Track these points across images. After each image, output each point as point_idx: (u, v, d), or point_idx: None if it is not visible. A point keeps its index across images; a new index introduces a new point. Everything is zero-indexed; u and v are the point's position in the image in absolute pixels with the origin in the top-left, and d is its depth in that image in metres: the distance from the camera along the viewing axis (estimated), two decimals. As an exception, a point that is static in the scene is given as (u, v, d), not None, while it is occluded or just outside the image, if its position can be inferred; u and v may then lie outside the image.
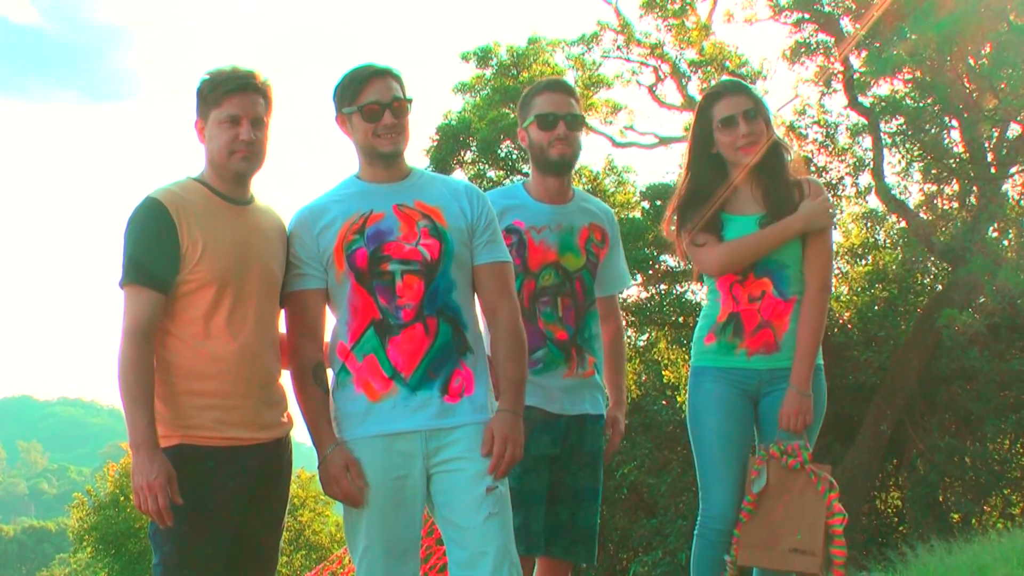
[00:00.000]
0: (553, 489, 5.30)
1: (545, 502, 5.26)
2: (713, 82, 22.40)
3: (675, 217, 5.50)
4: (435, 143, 24.96)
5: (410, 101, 4.70)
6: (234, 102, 4.46)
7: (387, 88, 4.64)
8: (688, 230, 5.38)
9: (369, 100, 4.62)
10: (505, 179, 24.05)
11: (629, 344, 24.09)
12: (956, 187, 21.14)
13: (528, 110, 5.38)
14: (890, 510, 21.80)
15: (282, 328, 4.72)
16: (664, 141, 25.32)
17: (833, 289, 22.87)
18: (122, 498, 36.17)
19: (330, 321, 4.71)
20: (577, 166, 5.82)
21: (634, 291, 23.18)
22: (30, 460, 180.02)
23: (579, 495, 5.35)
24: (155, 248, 4.33)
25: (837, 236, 23.66)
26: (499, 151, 24.25)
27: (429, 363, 4.54)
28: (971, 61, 17.86)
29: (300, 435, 4.70)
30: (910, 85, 18.75)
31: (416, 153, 25.62)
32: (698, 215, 5.36)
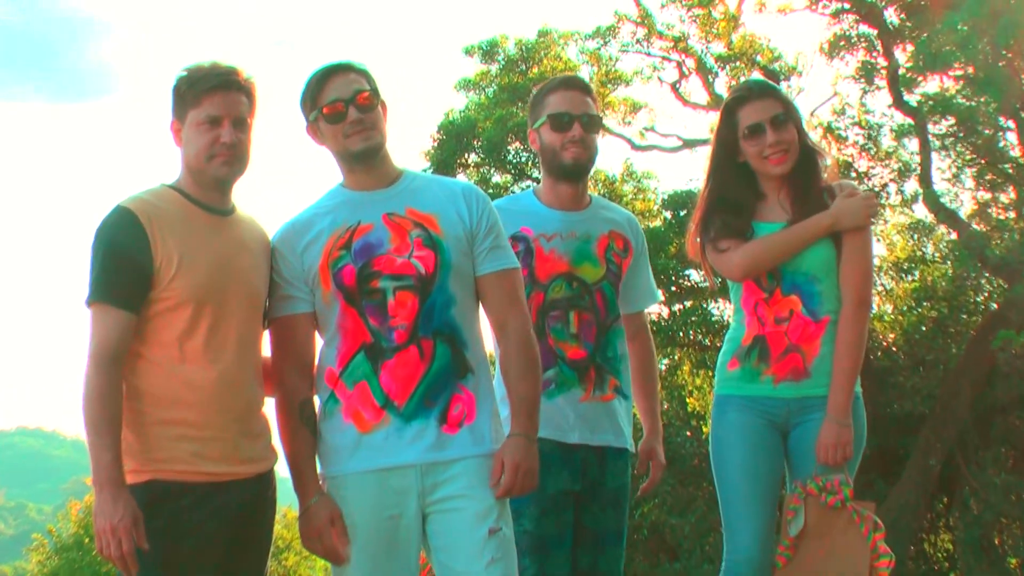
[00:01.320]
0: (573, 529, 5.25)
1: (567, 547, 5.20)
2: (743, 78, 22.44)
3: (699, 230, 5.49)
4: (436, 144, 24.97)
5: (377, 93, 4.69)
6: (214, 101, 4.45)
7: (347, 83, 4.64)
8: (711, 238, 5.38)
9: (329, 99, 4.62)
10: (513, 184, 24.03)
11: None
12: (1013, 195, 21.07)
13: (540, 109, 5.36)
14: (940, 554, 21.72)
15: (266, 351, 4.71)
16: (688, 144, 25.27)
17: (875, 307, 22.89)
18: (87, 539, 36.08)
19: (317, 344, 4.71)
20: (592, 171, 5.79)
21: (654, 308, 23.16)
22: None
23: (602, 539, 5.29)
24: (125, 263, 4.32)
25: (881, 249, 23.63)
26: (506, 153, 24.24)
27: (425, 390, 4.52)
28: (1030, 56, 17.86)
29: (285, 470, 4.68)
30: (962, 82, 18.73)
31: (415, 155, 25.63)
32: (723, 223, 5.35)
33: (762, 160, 5.30)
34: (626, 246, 5.45)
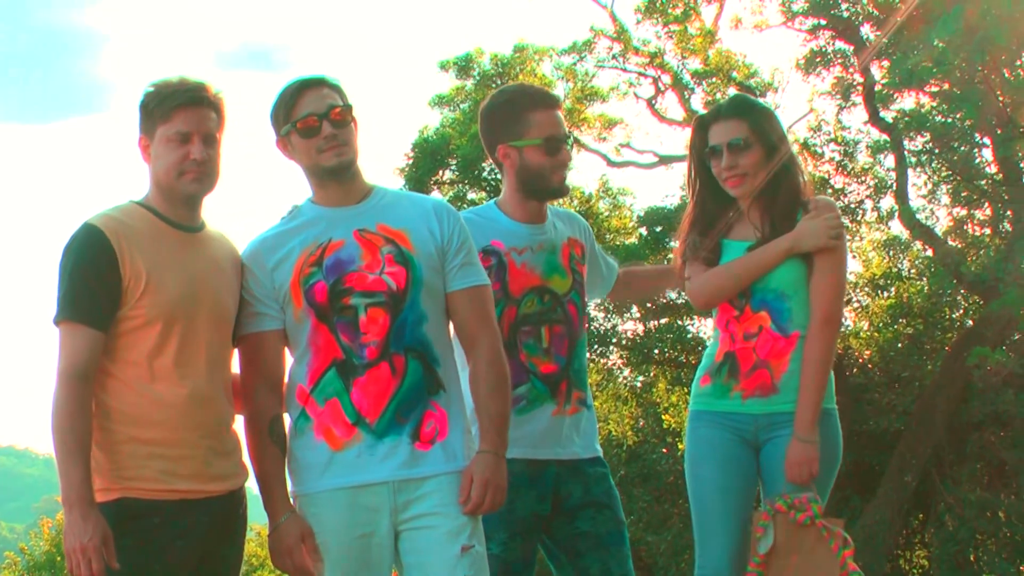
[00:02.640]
0: (572, 543, 5.20)
1: (531, 572, 5.16)
2: (720, 96, 22.51)
3: (679, 251, 5.51)
4: (410, 161, 24.97)
5: (350, 109, 4.67)
6: (183, 117, 4.43)
7: (321, 98, 4.62)
8: (682, 263, 5.42)
9: (303, 114, 4.60)
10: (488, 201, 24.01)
11: (624, 384, 24.10)
12: (988, 211, 21.15)
13: (522, 127, 5.19)
14: (915, 570, 21.77)
15: (235, 368, 4.70)
16: (664, 160, 25.36)
17: (851, 324, 22.90)
18: (59, 558, 36.00)
19: (287, 361, 4.69)
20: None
21: (630, 326, 23.20)
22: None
23: (605, 540, 5.21)
24: (93, 281, 4.30)
25: (856, 266, 23.71)
26: (481, 170, 24.26)
27: (397, 406, 4.51)
28: (1006, 72, 17.91)
29: (256, 486, 4.67)
30: (937, 98, 18.79)
31: (389, 172, 25.62)
32: (691, 243, 5.38)
33: (723, 182, 5.32)
34: (583, 252, 5.42)
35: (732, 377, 5.28)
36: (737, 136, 5.27)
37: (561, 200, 5.50)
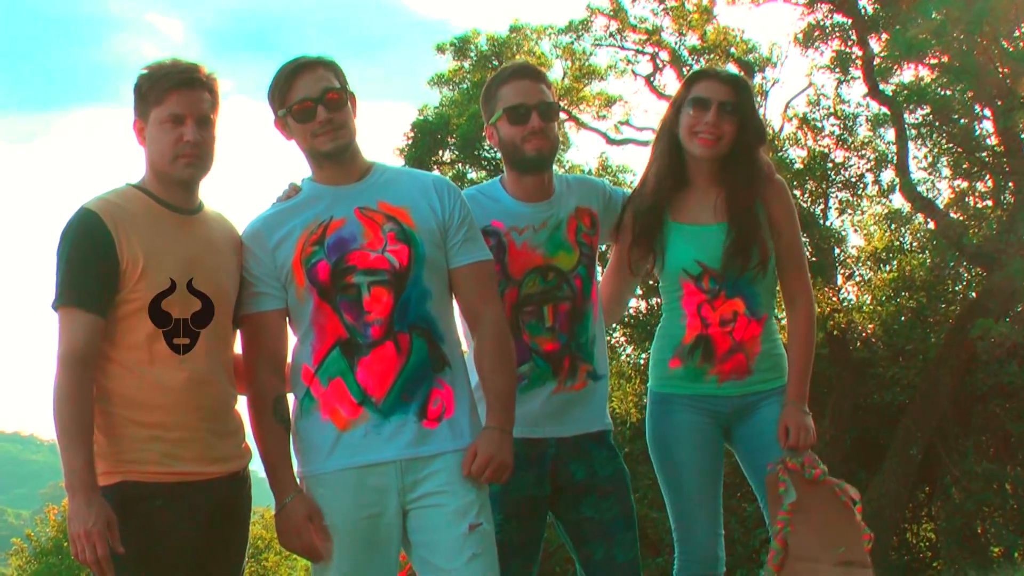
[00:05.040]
0: (577, 527, 5.18)
1: (529, 557, 5.13)
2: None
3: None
4: (410, 141, 24.95)
5: (346, 90, 4.65)
6: (176, 99, 4.41)
7: (317, 80, 4.59)
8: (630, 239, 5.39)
9: (298, 98, 4.58)
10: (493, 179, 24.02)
11: (628, 363, 24.08)
12: (990, 183, 21.15)
13: (494, 103, 5.19)
14: (922, 543, 21.79)
15: (237, 349, 4.68)
16: (664, 137, 25.26)
17: (855, 298, 22.88)
18: (65, 543, 35.76)
19: (291, 341, 4.67)
20: (567, 164, 5.66)
21: (633, 303, 23.16)
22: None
23: (610, 527, 5.15)
24: (91, 265, 4.28)
25: (858, 240, 23.70)
26: (481, 150, 24.25)
27: (403, 385, 4.49)
28: (1005, 43, 17.86)
29: (261, 468, 4.64)
30: (937, 71, 18.75)
31: (389, 152, 25.61)
32: (636, 214, 5.35)
33: (690, 135, 5.24)
34: (593, 222, 5.32)
35: (706, 361, 5.27)
36: (728, 99, 5.24)
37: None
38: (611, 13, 24.23)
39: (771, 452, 5.22)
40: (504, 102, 5.14)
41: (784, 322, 5.52)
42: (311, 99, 4.56)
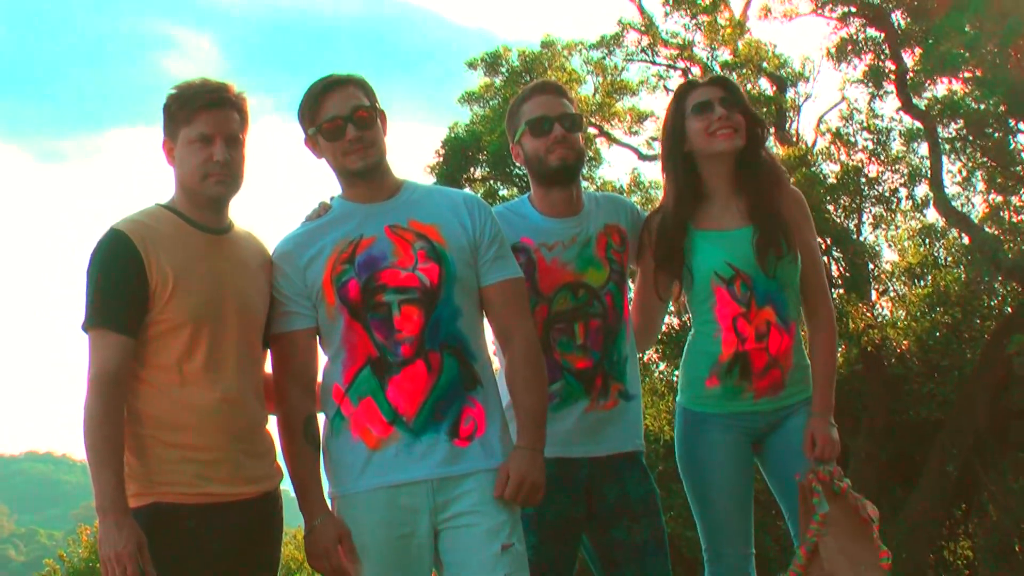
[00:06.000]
0: (607, 550, 5.15)
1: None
2: (751, 87, 22.44)
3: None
4: (441, 158, 24.97)
5: (376, 108, 4.67)
6: (206, 119, 4.43)
7: (346, 99, 4.61)
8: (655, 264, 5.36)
9: (328, 116, 4.60)
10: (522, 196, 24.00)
11: (660, 379, 24.03)
12: (1025, 197, 21.06)
13: (517, 120, 5.23)
14: (960, 561, 21.66)
15: (267, 368, 4.68)
16: (696, 153, 25.23)
17: (889, 313, 22.76)
18: (98, 564, 35.96)
19: (321, 360, 4.67)
20: (599, 181, 5.65)
21: (666, 319, 23.08)
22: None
23: (642, 550, 5.13)
24: (121, 287, 4.30)
25: (892, 255, 23.62)
26: (513, 166, 24.24)
27: (434, 403, 4.49)
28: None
29: (292, 488, 4.65)
30: (970, 84, 18.70)
31: (419, 170, 25.63)
32: (660, 244, 5.32)
33: (708, 137, 5.23)
34: (623, 239, 5.31)
35: (744, 379, 5.24)
36: (725, 95, 5.27)
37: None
38: (643, 28, 24.23)
39: (797, 463, 5.21)
40: (526, 116, 5.17)
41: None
42: (341, 117, 4.58)
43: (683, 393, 5.45)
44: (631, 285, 5.49)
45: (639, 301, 5.57)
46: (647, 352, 23.66)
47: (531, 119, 5.15)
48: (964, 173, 21.30)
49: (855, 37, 21.05)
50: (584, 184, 5.34)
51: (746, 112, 5.31)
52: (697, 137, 5.26)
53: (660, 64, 24.67)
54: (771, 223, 5.20)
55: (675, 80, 24.50)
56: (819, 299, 5.36)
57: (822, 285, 5.39)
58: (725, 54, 23.58)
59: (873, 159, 22.26)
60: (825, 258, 21.46)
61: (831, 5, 21.01)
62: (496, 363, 4.85)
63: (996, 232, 20.44)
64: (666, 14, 23.70)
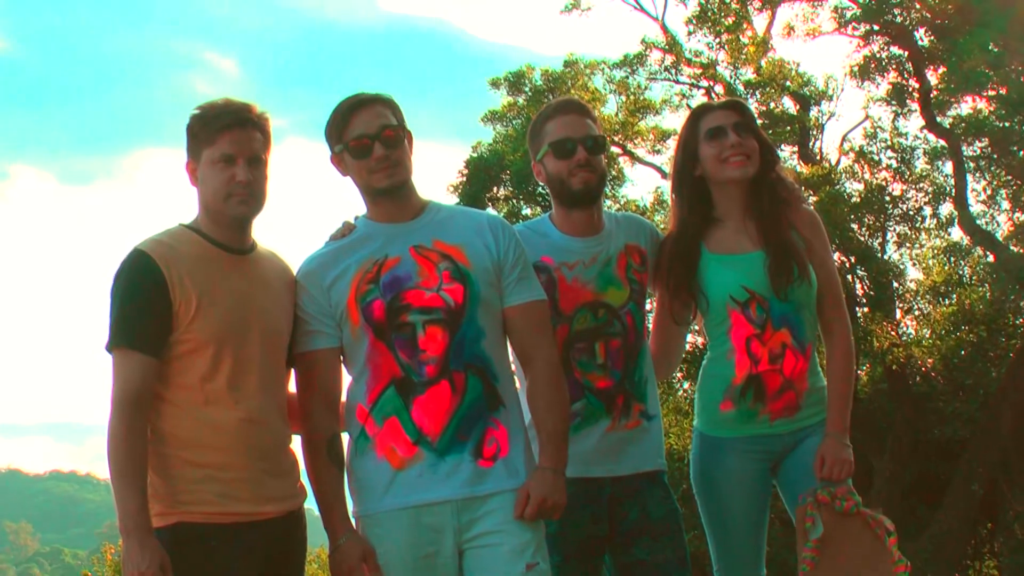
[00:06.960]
0: (629, 570, 5.12)
1: None
2: (774, 105, 22.44)
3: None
4: (464, 178, 25.00)
5: (403, 128, 4.68)
6: (228, 139, 4.43)
7: (374, 117, 4.62)
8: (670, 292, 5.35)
9: (355, 134, 4.61)
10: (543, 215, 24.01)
11: (684, 398, 23.99)
12: (1050, 215, 21.00)
13: (540, 140, 5.22)
14: (985, 580, 21.58)
15: (291, 387, 4.68)
16: (720, 171, 25.21)
17: (914, 332, 22.72)
18: (122, 583, 36.14)
19: (345, 379, 4.67)
20: (623, 200, 5.65)
21: (690, 338, 23.08)
22: (19, 543, 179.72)
23: (664, 570, 5.10)
24: (144, 307, 4.30)
25: (917, 273, 23.58)
26: (536, 186, 24.24)
27: (458, 424, 4.48)
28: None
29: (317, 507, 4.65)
30: (995, 103, 18.67)
31: (442, 189, 25.66)
32: (672, 271, 5.31)
33: (720, 164, 5.22)
34: (643, 260, 5.30)
35: (758, 401, 5.22)
36: (738, 120, 5.25)
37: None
38: (666, 47, 24.24)
39: (808, 484, 5.19)
40: (550, 137, 5.16)
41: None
42: (368, 136, 4.58)
43: (699, 417, 5.43)
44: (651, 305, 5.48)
45: (657, 326, 5.56)
46: (671, 372, 23.62)
47: (555, 140, 5.13)
48: (989, 191, 21.29)
49: (878, 55, 21.04)
50: (606, 203, 5.33)
51: (758, 137, 5.30)
52: (710, 163, 5.26)
53: (683, 83, 24.72)
54: (781, 250, 5.18)
55: (698, 99, 24.51)
56: (835, 317, 5.31)
57: (838, 304, 5.34)
58: (748, 73, 23.59)
59: (897, 177, 22.25)
60: (849, 277, 21.45)
61: (854, 24, 21.02)
62: (517, 382, 4.84)
63: (1021, 251, 20.40)
64: (689, 33, 23.71)
